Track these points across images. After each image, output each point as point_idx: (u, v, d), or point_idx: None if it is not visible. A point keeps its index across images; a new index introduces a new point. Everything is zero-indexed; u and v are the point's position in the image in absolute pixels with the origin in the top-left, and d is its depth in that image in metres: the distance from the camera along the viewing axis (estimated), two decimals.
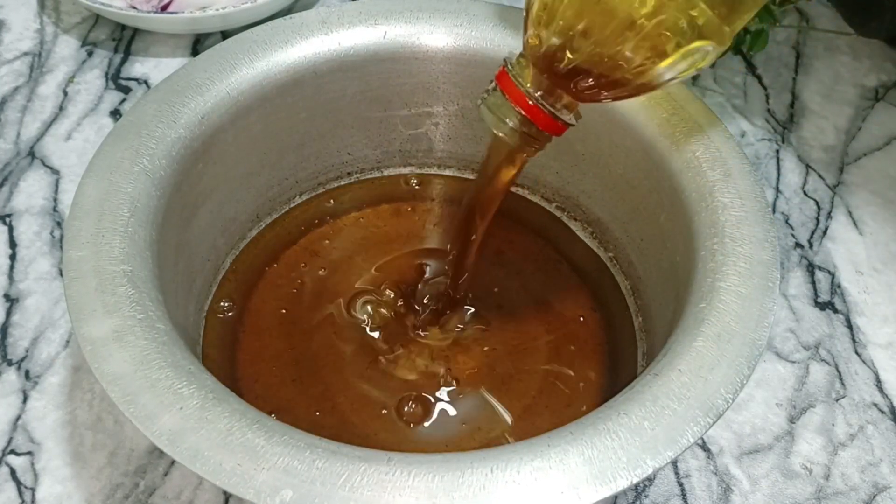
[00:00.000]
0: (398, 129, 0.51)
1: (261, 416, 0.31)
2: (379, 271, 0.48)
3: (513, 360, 0.44)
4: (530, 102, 0.36)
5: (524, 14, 0.36)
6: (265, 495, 0.29)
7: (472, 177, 0.52)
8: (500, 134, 0.38)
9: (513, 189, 0.52)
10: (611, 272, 0.48)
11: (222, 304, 0.46)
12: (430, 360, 0.44)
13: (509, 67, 0.37)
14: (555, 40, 0.35)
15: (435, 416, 0.42)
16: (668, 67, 0.35)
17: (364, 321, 0.46)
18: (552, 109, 0.37)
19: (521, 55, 0.37)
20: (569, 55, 0.35)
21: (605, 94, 0.36)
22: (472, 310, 0.46)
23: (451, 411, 0.42)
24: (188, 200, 0.42)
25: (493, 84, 0.37)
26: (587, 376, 0.44)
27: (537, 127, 0.37)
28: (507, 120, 0.37)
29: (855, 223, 0.56)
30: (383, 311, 0.46)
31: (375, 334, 0.45)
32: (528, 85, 0.36)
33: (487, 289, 0.47)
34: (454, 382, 0.43)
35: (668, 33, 0.33)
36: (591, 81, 0.36)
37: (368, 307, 0.46)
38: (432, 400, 0.43)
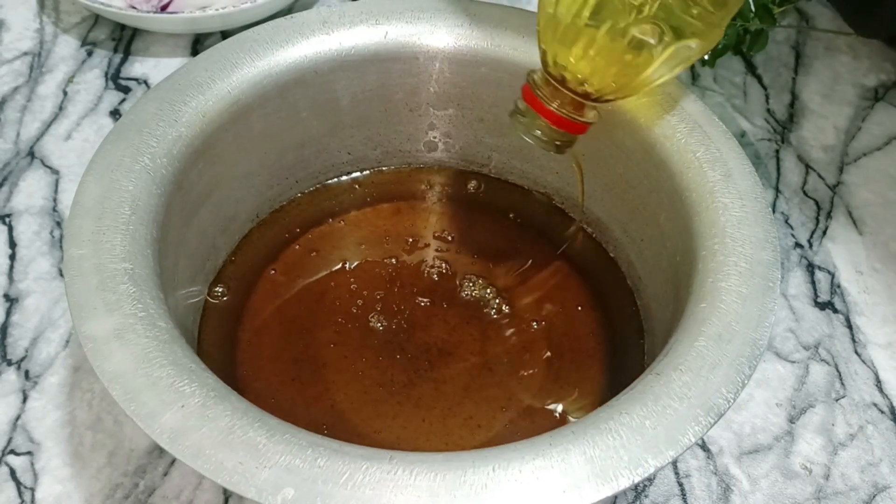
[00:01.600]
0: (398, 128, 0.51)
1: (262, 415, 0.31)
2: (379, 270, 0.48)
3: (512, 360, 0.44)
4: (554, 112, 0.41)
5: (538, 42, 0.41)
6: (267, 494, 0.29)
7: (471, 175, 0.52)
8: (532, 142, 0.42)
9: (514, 188, 0.52)
10: (610, 272, 0.48)
11: (222, 302, 0.46)
12: (430, 360, 0.44)
13: (532, 84, 0.41)
14: (567, 76, 0.40)
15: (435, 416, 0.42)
16: (661, 65, 0.38)
17: (363, 320, 0.46)
18: (574, 116, 0.41)
19: (541, 71, 0.41)
20: (583, 87, 0.40)
21: (615, 99, 0.41)
22: (472, 309, 0.46)
23: (451, 410, 0.42)
24: (189, 199, 0.42)
25: (520, 99, 0.42)
26: (588, 375, 0.44)
27: (562, 131, 0.42)
28: (537, 130, 0.42)
29: (855, 223, 0.56)
30: (383, 309, 0.46)
31: (375, 333, 0.45)
32: (550, 100, 0.41)
33: (487, 288, 0.47)
34: (454, 381, 0.43)
35: (657, 33, 0.37)
36: (602, 97, 0.41)
37: (368, 306, 0.46)
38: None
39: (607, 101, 0.41)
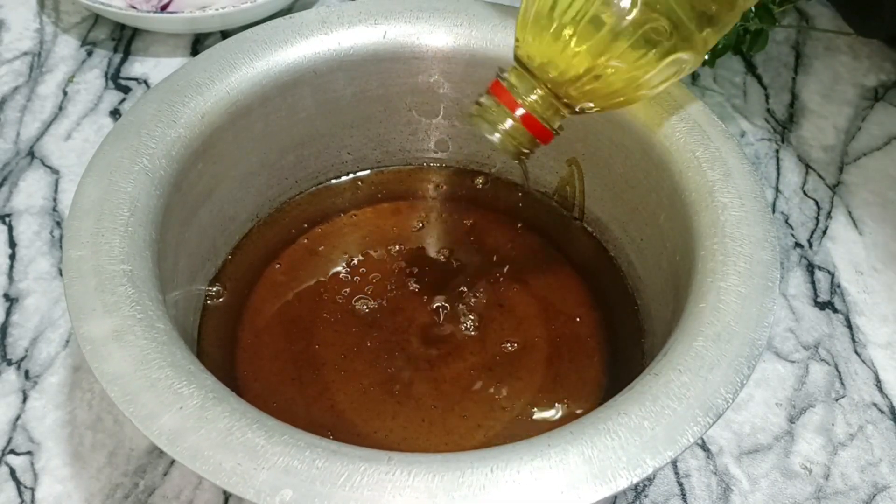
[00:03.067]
0: (397, 128, 0.51)
1: (261, 416, 0.31)
2: (378, 270, 0.48)
3: (512, 360, 0.44)
4: (522, 111, 0.39)
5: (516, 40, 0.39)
6: (265, 495, 0.29)
7: (471, 174, 0.52)
8: (493, 140, 0.40)
9: (514, 187, 0.52)
10: (610, 271, 0.48)
11: (221, 302, 0.46)
12: (430, 360, 0.44)
13: (504, 80, 0.39)
14: (549, 75, 0.38)
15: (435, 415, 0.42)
16: (651, 79, 0.37)
17: (363, 320, 0.46)
18: (544, 117, 0.39)
19: (514, 68, 0.39)
20: (564, 90, 0.38)
21: (598, 108, 0.39)
22: (472, 309, 0.46)
23: (451, 410, 0.43)
24: (188, 200, 0.42)
25: (487, 94, 0.40)
26: (587, 375, 0.44)
27: (529, 134, 0.39)
28: (500, 126, 0.39)
29: (854, 223, 0.56)
30: (382, 308, 0.46)
31: (375, 333, 0.45)
32: (524, 95, 0.39)
33: (487, 288, 0.47)
34: (454, 381, 0.43)
35: (649, 45, 0.36)
36: (581, 102, 0.39)
37: (368, 305, 0.46)
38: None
39: (584, 109, 0.39)
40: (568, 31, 0.37)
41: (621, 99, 0.38)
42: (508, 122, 0.39)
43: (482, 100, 0.40)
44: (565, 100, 0.38)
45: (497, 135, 0.39)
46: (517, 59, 0.39)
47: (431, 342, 0.45)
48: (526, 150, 0.40)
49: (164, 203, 0.39)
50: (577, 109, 0.39)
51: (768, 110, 0.63)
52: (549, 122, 0.39)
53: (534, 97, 0.39)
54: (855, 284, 0.53)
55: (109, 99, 0.61)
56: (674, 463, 0.45)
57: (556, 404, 0.43)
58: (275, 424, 0.31)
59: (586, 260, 0.49)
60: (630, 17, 0.35)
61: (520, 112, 0.39)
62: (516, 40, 0.39)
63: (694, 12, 0.36)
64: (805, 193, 0.58)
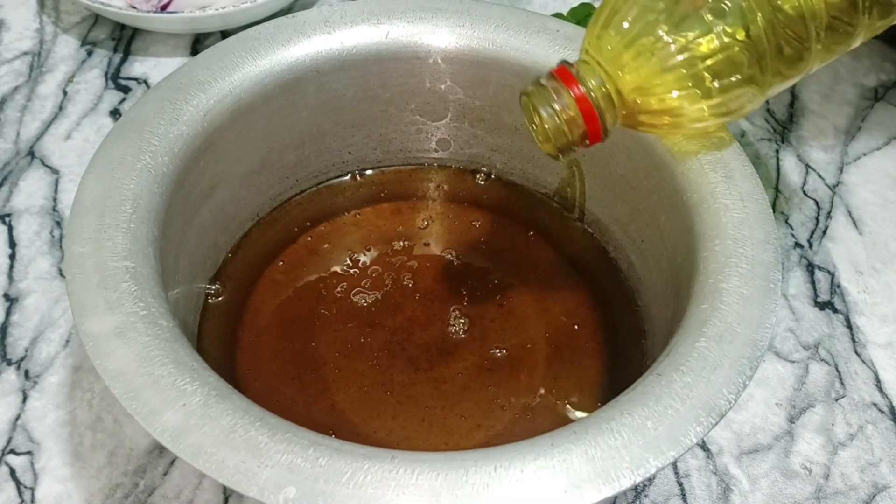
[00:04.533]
0: (399, 128, 0.51)
1: (264, 414, 0.31)
2: (378, 270, 0.48)
3: (511, 360, 0.44)
4: (584, 95, 0.37)
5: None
6: (268, 493, 0.29)
7: (471, 175, 0.52)
8: (548, 123, 0.38)
9: (514, 188, 0.52)
10: (611, 272, 0.48)
11: (221, 301, 0.46)
12: (430, 360, 0.44)
13: (568, 65, 0.38)
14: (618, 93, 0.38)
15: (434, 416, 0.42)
16: (714, 106, 0.38)
17: (364, 319, 0.46)
18: (601, 116, 0.38)
19: (583, 60, 0.38)
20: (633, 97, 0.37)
21: (648, 125, 0.39)
22: (472, 309, 0.46)
23: (451, 410, 0.42)
24: (190, 198, 0.42)
25: (549, 77, 0.38)
26: (586, 376, 0.44)
27: (584, 128, 0.38)
28: (557, 112, 0.38)
29: (854, 223, 0.56)
30: (383, 308, 0.46)
31: (375, 332, 0.45)
32: (590, 87, 0.37)
33: (487, 288, 0.47)
34: (454, 381, 0.43)
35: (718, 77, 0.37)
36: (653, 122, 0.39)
37: (367, 304, 0.46)
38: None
39: (637, 121, 0.38)
40: (642, 42, 0.36)
41: (672, 120, 0.38)
42: (567, 110, 0.37)
43: (543, 81, 0.38)
44: (627, 105, 0.38)
45: (551, 122, 0.38)
46: (586, 52, 0.38)
47: (431, 342, 0.45)
48: (571, 146, 0.39)
49: (167, 200, 0.39)
50: (630, 120, 0.38)
51: (768, 110, 0.63)
52: (604, 121, 0.38)
53: (600, 91, 0.37)
54: (855, 284, 0.53)
55: (109, 99, 0.60)
56: (674, 463, 0.45)
57: (556, 404, 0.43)
58: (278, 422, 0.31)
59: (586, 261, 0.49)
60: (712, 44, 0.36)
61: (582, 105, 0.37)
62: (588, 35, 0.38)
63: (774, 55, 0.37)
64: (805, 193, 0.58)
